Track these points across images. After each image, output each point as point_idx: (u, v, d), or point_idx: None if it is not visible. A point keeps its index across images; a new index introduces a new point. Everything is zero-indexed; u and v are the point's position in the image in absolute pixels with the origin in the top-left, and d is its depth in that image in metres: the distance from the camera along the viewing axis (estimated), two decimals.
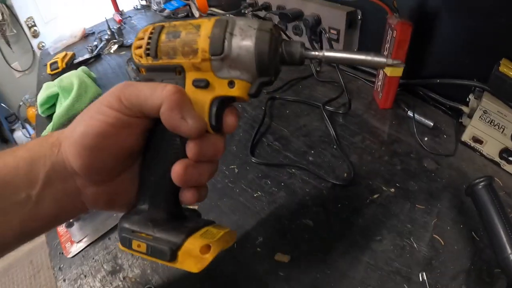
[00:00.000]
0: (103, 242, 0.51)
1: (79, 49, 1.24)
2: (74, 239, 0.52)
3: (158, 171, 0.32)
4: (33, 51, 2.61)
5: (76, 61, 1.14)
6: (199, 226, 0.33)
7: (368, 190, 0.51)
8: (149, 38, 0.31)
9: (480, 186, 0.43)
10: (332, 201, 0.50)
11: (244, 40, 0.28)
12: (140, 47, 0.32)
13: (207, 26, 0.29)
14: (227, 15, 1.17)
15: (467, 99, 0.55)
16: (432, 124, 0.57)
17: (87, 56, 1.17)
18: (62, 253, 0.50)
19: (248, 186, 0.53)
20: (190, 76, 0.31)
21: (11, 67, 2.60)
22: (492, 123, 0.50)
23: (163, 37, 0.31)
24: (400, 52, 0.55)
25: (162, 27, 0.31)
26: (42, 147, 0.31)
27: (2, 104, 2.54)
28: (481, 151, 0.53)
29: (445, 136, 0.57)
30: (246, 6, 0.96)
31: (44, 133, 0.85)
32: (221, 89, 0.31)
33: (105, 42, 1.23)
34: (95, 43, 1.25)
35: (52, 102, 0.94)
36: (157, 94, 0.29)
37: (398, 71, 0.57)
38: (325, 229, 0.47)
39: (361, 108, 0.62)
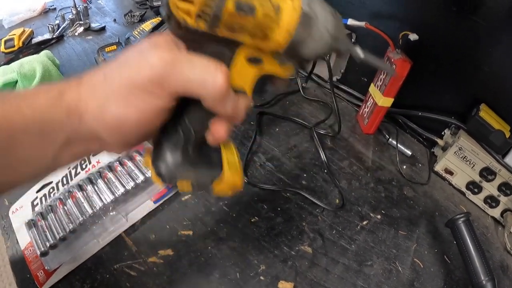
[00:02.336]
0: (84, 271, 0.46)
1: (38, 26, 1.08)
2: (48, 268, 0.46)
3: (194, 125, 0.31)
4: None
5: (35, 40, 0.99)
6: (220, 157, 0.34)
7: (358, 216, 0.53)
8: None
9: (460, 222, 0.48)
10: (327, 228, 0.51)
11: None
12: (190, 1, 0.25)
13: (291, 15, 0.26)
14: None
15: (443, 133, 0.61)
16: (410, 153, 0.62)
17: (47, 36, 1.02)
18: (34, 283, 0.44)
19: (244, 211, 0.51)
20: (245, 51, 0.28)
21: None
22: (464, 159, 0.56)
23: (230, 5, 0.25)
24: (394, 86, 0.58)
25: None
26: (54, 110, 0.27)
27: None
28: (450, 181, 0.60)
29: (420, 165, 0.62)
30: None
31: None
32: (271, 67, 0.30)
33: (68, 22, 1.09)
34: (57, 21, 1.10)
35: (7, 89, 0.80)
36: (208, 89, 0.27)
37: (388, 102, 0.60)
38: (323, 256, 0.48)
39: (347, 131, 0.64)
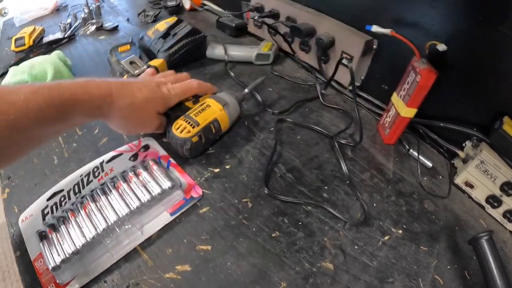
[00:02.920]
0: (97, 285, 0.44)
1: (49, 24, 1.06)
2: (59, 282, 0.44)
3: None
4: None
5: (46, 38, 0.98)
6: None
7: (379, 231, 0.52)
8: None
9: (483, 240, 0.48)
10: (348, 243, 0.50)
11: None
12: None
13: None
14: (226, 13, 1.09)
15: (464, 144, 0.60)
16: (431, 165, 0.60)
17: (58, 35, 1.01)
18: None
19: (265, 225, 0.50)
20: None
21: None
22: (486, 172, 0.55)
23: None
24: (419, 96, 0.56)
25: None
26: (92, 99, 0.48)
27: None
28: (470, 194, 0.59)
29: (440, 177, 0.61)
30: (251, 9, 0.89)
31: None
32: None
33: (80, 21, 1.08)
34: (69, 20, 1.09)
35: None
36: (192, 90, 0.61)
37: (411, 113, 0.58)
38: (344, 273, 0.47)
39: (367, 141, 0.63)
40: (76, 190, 0.55)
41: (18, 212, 0.55)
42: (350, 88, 0.71)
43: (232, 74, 0.81)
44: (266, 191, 0.53)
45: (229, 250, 0.47)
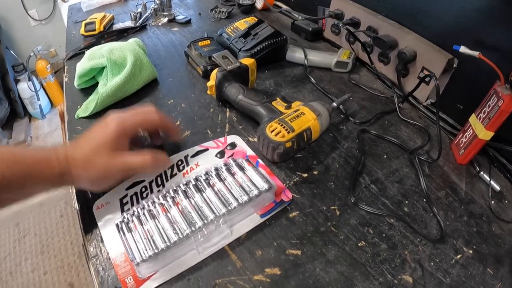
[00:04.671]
0: (181, 282, 0.45)
1: (118, 12, 1.10)
2: (140, 276, 0.45)
3: None
4: (55, 1, 2.39)
5: (115, 26, 1.01)
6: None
7: (453, 249, 0.55)
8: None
9: None
10: (426, 258, 0.52)
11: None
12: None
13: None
14: (299, 17, 1.09)
15: None
16: (499, 188, 0.63)
17: (129, 23, 1.03)
18: None
19: (352, 233, 0.52)
20: None
21: (28, 14, 2.38)
22: None
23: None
24: (498, 120, 0.57)
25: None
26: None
27: (11, 52, 2.33)
28: None
29: (506, 202, 0.63)
30: (331, 15, 0.88)
31: (80, 112, 0.69)
32: None
33: (151, 11, 1.10)
34: (139, 10, 1.11)
35: (92, 74, 0.75)
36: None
37: (488, 135, 0.60)
38: (421, 287, 0.50)
39: (441, 159, 0.64)
40: (159, 182, 0.55)
41: (92, 198, 0.54)
42: (425, 103, 0.72)
43: (312, 79, 0.81)
44: (352, 201, 0.54)
45: (319, 256, 0.49)
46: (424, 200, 0.58)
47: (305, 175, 0.58)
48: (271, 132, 0.55)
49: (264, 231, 0.51)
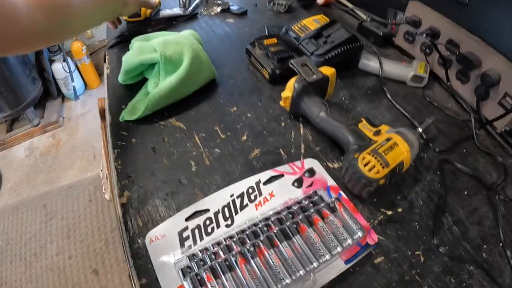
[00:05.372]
0: None
1: None
2: None
3: None
4: None
5: (162, 12, 0.92)
6: None
7: None
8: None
9: None
10: None
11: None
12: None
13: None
14: (367, 18, 0.99)
15: None
16: None
17: (177, 10, 0.95)
18: None
19: (435, 283, 0.49)
20: None
21: None
22: None
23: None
24: None
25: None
26: None
27: None
28: None
29: None
30: (408, 21, 0.81)
31: (125, 114, 0.59)
32: None
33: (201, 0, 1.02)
34: None
35: (141, 70, 0.61)
36: None
37: None
38: None
39: None
40: (227, 215, 0.47)
41: (143, 227, 0.46)
42: (501, 130, 0.67)
43: (388, 94, 0.74)
44: (435, 244, 0.50)
45: None
46: (501, 244, 0.55)
47: (390, 212, 0.53)
48: (364, 166, 0.48)
49: (348, 280, 0.46)
